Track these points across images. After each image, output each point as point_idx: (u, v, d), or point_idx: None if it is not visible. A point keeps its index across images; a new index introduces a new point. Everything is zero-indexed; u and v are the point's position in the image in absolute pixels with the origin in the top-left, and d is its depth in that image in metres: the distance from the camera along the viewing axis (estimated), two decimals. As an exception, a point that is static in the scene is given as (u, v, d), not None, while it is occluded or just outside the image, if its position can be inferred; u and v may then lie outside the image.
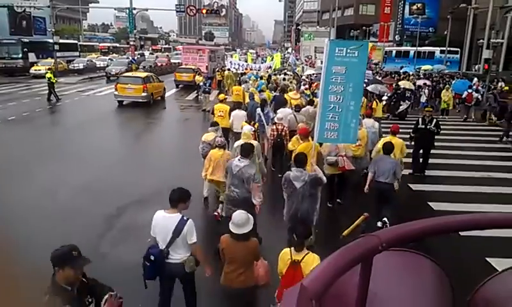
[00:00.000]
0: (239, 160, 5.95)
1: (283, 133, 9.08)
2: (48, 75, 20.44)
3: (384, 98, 18.72)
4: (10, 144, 12.51)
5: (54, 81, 20.49)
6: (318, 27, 75.55)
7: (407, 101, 18.72)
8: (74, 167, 10.27)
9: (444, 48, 37.43)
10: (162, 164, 10.88)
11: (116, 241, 6.43)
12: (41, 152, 11.66)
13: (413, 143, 10.27)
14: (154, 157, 11.79)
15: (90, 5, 76.24)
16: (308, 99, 12.75)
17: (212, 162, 6.97)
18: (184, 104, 21.79)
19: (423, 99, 20.18)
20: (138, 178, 9.40)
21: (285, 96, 12.64)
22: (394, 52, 46.39)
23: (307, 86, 19.07)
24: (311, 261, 3.84)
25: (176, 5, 40.47)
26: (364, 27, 60.82)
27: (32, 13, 46.88)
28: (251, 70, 26.67)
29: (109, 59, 45.23)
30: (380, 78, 24.39)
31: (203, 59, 32.36)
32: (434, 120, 10.18)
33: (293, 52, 74.08)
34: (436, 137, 10.20)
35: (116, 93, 20.14)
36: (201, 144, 8.15)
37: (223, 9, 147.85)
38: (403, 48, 47.24)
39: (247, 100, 13.55)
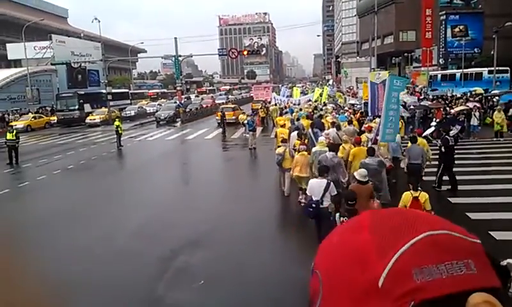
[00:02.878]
0: (330, 154, 9.02)
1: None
2: (117, 123, 21.89)
3: (433, 123, 18.20)
4: (69, 191, 13.31)
5: (121, 132, 21.92)
6: (358, 57, 75.47)
7: (457, 125, 18.08)
8: (129, 210, 10.74)
9: (492, 68, 36.04)
10: (211, 204, 11.11)
11: (171, 284, 6.56)
12: (97, 197, 12.29)
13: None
14: (204, 197, 12.06)
15: (139, 55, 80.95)
16: (347, 120, 15.44)
17: (298, 164, 9.82)
18: (230, 143, 22.26)
19: (474, 122, 19.41)
20: (190, 219, 9.65)
21: (323, 120, 15.97)
22: (439, 76, 45.21)
23: (334, 114, 19.14)
24: (423, 195, 6.87)
25: (218, 49, 42.26)
26: (406, 54, 60.04)
27: (87, 66, 50.53)
28: (293, 104, 27.66)
29: (158, 104, 47.37)
30: (428, 103, 23.80)
31: (268, 93, 40.24)
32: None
33: (334, 83, 74.14)
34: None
35: (216, 117, 29.32)
36: (276, 156, 11.04)
37: (263, 49, 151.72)
38: (448, 71, 45.98)
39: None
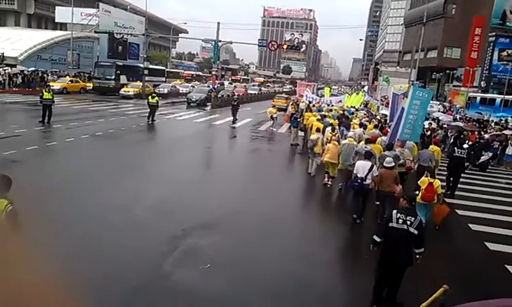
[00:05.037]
0: (365, 146, 10.71)
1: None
2: (156, 99, 22.47)
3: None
4: (93, 158, 13.67)
5: (157, 106, 22.58)
6: (398, 67, 73.99)
7: (489, 152, 17.52)
8: (148, 184, 10.95)
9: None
10: (230, 191, 11.24)
11: (178, 262, 6.66)
12: (120, 167, 12.58)
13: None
14: (224, 182, 12.17)
15: (180, 35, 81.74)
16: (374, 124, 18.08)
17: (329, 151, 11.75)
18: (256, 134, 22.25)
19: (509, 151, 18.74)
20: (206, 202, 9.77)
21: (350, 122, 18.19)
22: (479, 98, 43.84)
23: (367, 118, 21.82)
24: (436, 182, 8.86)
25: (259, 40, 42.11)
26: (447, 71, 58.43)
27: (129, 39, 51.41)
28: (324, 103, 28.26)
29: (192, 86, 47.81)
30: (461, 124, 23.17)
31: (311, 90, 42.00)
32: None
33: (369, 90, 73.02)
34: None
35: (272, 102, 33.37)
36: (309, 142, 13.56)
37: (303, 45, 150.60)
38: (489, 95, 44.50)
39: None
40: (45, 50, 47.37)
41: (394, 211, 5.77)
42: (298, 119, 19.90)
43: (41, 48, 46.84)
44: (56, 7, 60.11)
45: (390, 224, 5.65)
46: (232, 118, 25.06)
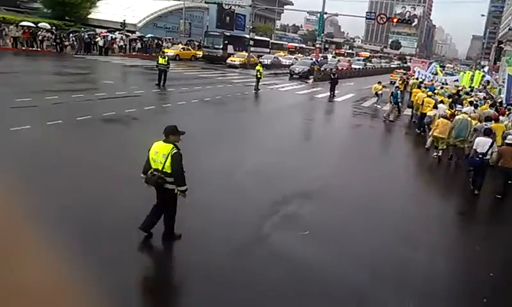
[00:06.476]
0: (485, 124, 11.21)
1: None
2: (258, 67, 23.28)
3: None
4: (201, 121, 14.38)
5: (260, 77, 23.17)
6: (527, 46, 65.42)
7: None
8: (250, 150, 11.32)
9: None
10: (332, 162, 11.20)
11: (278, 226, 6.79)
12: (225, 132, 13.10)
13: None
14: (326, 154, 12.16)
15: (285, 7, 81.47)
16: (489, 104, 17.83)
17: (439, 126, 11.89)
18: (359, 110, 21.53)
19: None
20: (306, 171, 9.82)
21: (464, 101, 18.16)
22: None
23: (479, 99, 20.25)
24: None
25: (366, 12, 40.27)
26: None
27: (236, 10, 52.65)
28: (438, 82, 26.47)
29: (295, 58, 47.62)
30: None
31: (425, 68, 39.01)
32: None
33: (491, 71, 65.90)
34: None
35: (391, 77, 35.94)
36: (427, 117, 13.76)
37: (415, 20, 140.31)
38: None
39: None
40: (160, 19, 50.72)
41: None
42: (399, 100, 18.89)
43: (157, 17, 50.25)
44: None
45: None
46: (329, 93, 24.61)
